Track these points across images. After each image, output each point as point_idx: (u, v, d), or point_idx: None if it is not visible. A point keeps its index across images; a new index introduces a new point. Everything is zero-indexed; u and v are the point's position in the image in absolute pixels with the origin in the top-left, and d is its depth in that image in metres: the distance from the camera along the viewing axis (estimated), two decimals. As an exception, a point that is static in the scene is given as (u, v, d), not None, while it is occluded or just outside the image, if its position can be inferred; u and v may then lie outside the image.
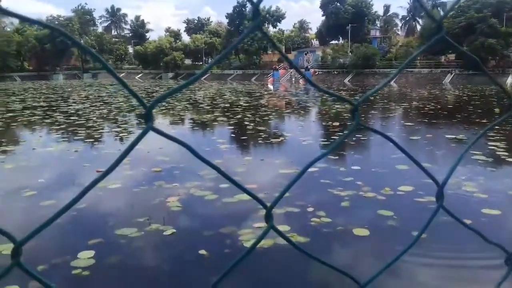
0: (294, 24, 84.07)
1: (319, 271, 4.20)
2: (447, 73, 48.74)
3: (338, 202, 6.15)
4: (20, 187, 7.01)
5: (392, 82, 48.74)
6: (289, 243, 0.66)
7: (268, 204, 0.63)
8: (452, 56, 51.60)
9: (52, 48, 70.39)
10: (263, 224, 5.27)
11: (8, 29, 71.25)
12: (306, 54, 64.88)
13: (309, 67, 55.38)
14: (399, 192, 6.55)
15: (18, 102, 25.37)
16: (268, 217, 0.62)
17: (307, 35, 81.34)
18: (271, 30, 69.27)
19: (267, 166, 8.66)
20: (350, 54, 57.77)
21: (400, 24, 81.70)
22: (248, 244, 4.81)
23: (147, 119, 0.52)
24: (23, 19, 0.50)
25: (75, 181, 7.67)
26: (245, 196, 6.34)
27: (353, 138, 11.64)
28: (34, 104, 24.18)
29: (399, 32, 78.89)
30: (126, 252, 4.75)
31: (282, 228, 5.18)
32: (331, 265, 0.69)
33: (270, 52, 66.83)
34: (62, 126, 14.59)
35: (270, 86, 45.85)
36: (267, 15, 68.82)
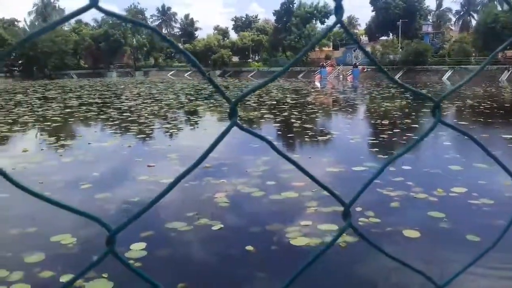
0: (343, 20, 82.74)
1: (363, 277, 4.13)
2: (504, 70, 46.25)
3: (387, 203, 6.02)
4: (77, 179, 7.36)
5: (445, 79, 46.99)
6: (365, 241, 0.66)
7: (347, 202, 0.62)
8: (509, 53, 48.88)
9: (106, 47, 73.24)
10: (309, 222, 5.28)
11: (66, 28, 74.60)
12: (354, 51, 63.65)
13: (357, 63, 54.34)
14: (452, 194, 6.32)
15: (74, 99, 26.56)
16: (346, 215, 0.62)
17: (355, 31, 79.84)
18: (319, 26, 68.55)
19: (315, 164, 8.59)
20: (400, 50, 56.14)
21: (453, 19, 78.56)
22: (294, 242, 4.80)
23: (231, 115, 0.53)
24: (120, 18, 0.52)
25: (128, 175, 7.96)
26: (292, 194, 6.34)
27: (403, 137, 11.34)
28: (89, 100, 25.25)
29: (453, 28, 75.81)
30: (176, 245, 4.88)
31: (329, 227, 5.14)
32: (408, 264, 0.68)
33: (317, 49, 66.14)
34: (116, 122, 15.16)
35: (317, 84, 45.42)
36: (315, 12, 68.17)
